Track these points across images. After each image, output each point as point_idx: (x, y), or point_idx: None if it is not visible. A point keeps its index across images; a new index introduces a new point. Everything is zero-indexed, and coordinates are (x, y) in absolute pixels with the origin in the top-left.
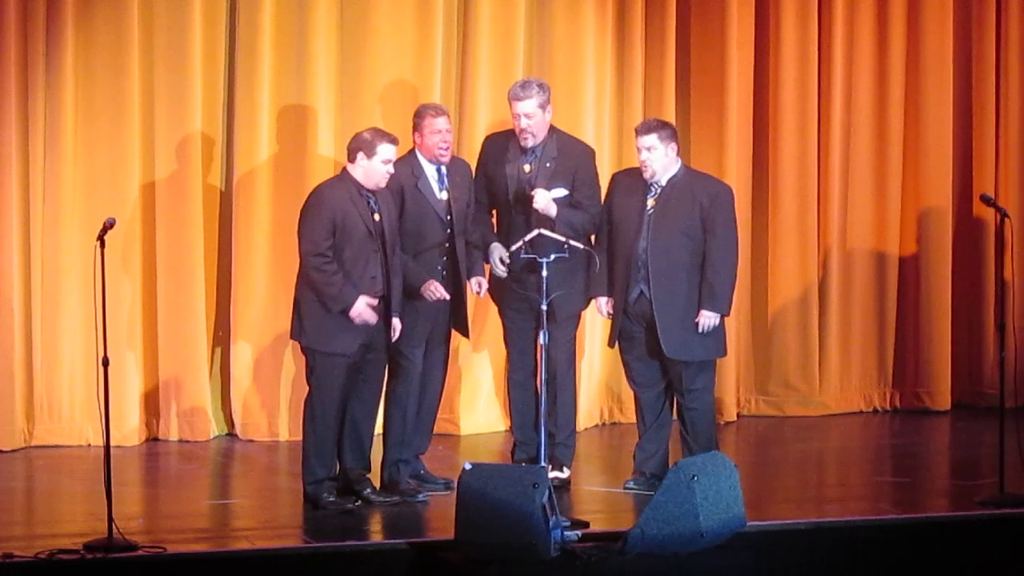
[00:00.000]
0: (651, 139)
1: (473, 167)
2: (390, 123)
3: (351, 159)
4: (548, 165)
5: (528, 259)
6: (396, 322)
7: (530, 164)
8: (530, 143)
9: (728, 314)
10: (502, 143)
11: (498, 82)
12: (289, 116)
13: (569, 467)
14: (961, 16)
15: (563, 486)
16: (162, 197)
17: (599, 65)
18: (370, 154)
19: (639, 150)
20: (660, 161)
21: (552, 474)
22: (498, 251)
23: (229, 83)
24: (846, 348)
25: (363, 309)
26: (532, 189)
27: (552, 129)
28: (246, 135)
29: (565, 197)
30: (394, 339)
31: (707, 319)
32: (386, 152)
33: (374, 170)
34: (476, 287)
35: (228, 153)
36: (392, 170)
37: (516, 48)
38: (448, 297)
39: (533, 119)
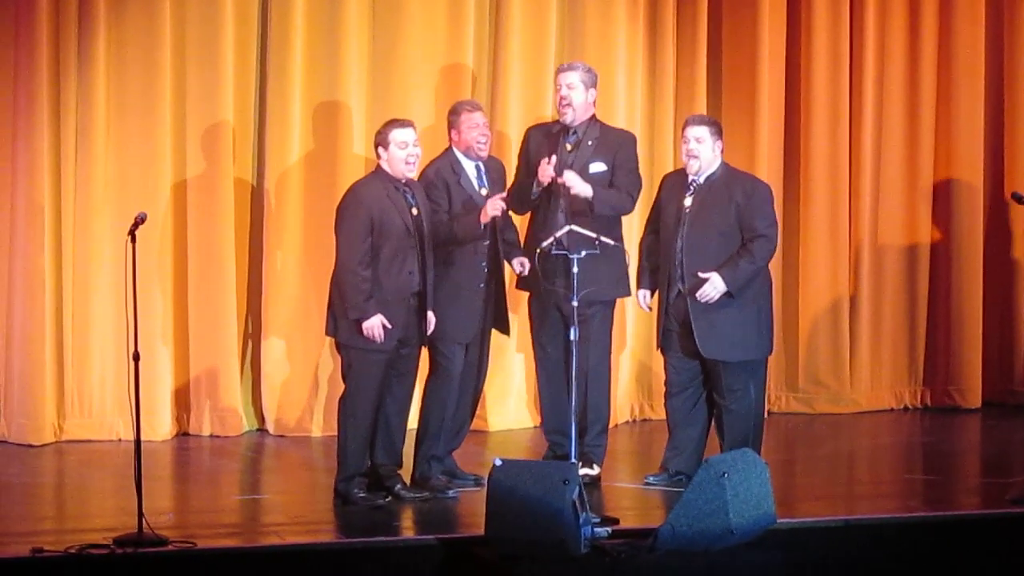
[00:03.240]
0: (702, 130)
1: (505, 164)
2: (422, 119)
3: (378, 156)
4: (590, 144)
5: (560, 255)
6: (431, 315)
7: (571, 144)
8: (569, 117)
9: (732, 293)
10: (544, 130)
11: (530, 77)
12: (321, 112)
13: (600, 464)
14: (992, 11)
15: (593, 483)
16: (193, 193)
17: (631, 61)
18: (386, 144)
19: (687, 140)
20: (707, 155)
21: (582, 471)
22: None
23: (261, 79)
24: (877, 345)
25: (376, 324)
26: (573, 167)
27: (595, 119)
28: (278, 131)
29: (604, 173)
30: (428, 332)
31: (714, 288)
32: (400, 136)
33: (395, 158)
34: (519, 267)
35: (260, 149)
36: (414, 151)
37: (548, 43)
38: (504, 204)
39: (573, 91)
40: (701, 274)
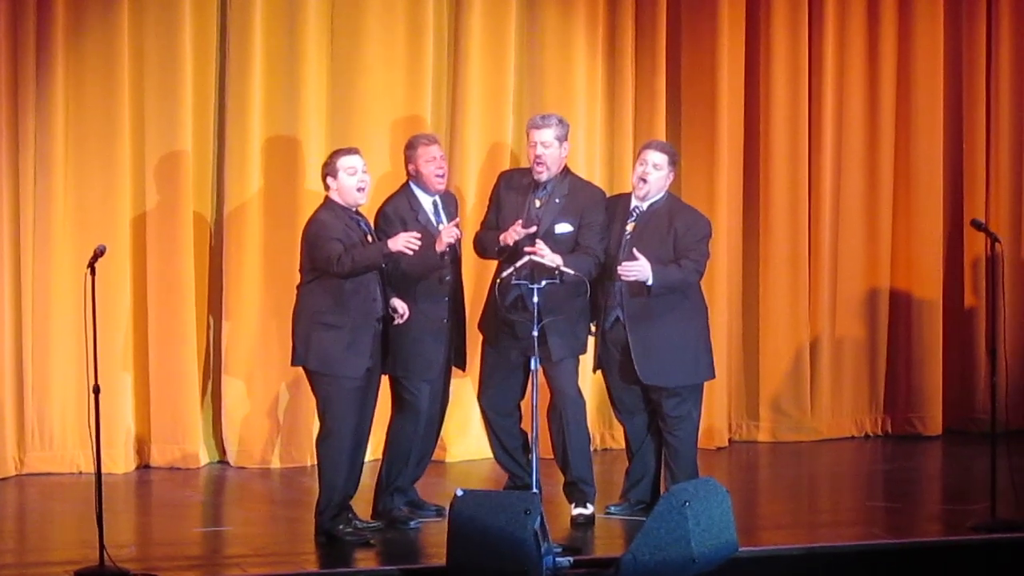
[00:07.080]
0: (661, 157)
1: (462, 204)
2: (380, 154)
3: (326, 187)
4: (558, 202)
5: (518, 286)
6: (402, 305)
7: (541, 199)
8: (544, 175)
9: (650, 285)
10: (517, 177)
11: (489, 113)
12: (279, 146)
13: (593, 503)
14: (951, 42)
15: (588, 522)
16: (153, 224)
17: (590, 95)
18: (334, 173)
19: (643, 163)
20: (659, 183)
21: (576, 511)
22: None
23: (219, 111)
24: (838, 373)
25: (398, 239)
26: (540, 224)
27: (568, 170)
28: (237, 164)
29: (570, 234)
30: (402, 320)
31: (640, 270)
32: (346, 162)
33: (345, 186)
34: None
35: (219, 181)
36: (364, 177)
37: (507, 78)
38: (459, 232)
39: (548, 149)
40: (636, 251)
